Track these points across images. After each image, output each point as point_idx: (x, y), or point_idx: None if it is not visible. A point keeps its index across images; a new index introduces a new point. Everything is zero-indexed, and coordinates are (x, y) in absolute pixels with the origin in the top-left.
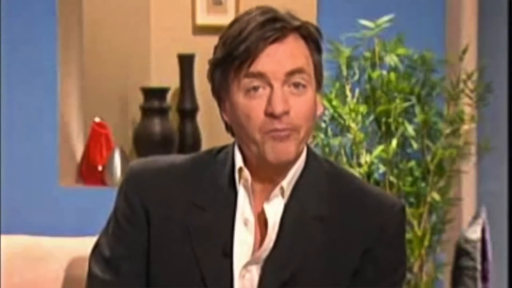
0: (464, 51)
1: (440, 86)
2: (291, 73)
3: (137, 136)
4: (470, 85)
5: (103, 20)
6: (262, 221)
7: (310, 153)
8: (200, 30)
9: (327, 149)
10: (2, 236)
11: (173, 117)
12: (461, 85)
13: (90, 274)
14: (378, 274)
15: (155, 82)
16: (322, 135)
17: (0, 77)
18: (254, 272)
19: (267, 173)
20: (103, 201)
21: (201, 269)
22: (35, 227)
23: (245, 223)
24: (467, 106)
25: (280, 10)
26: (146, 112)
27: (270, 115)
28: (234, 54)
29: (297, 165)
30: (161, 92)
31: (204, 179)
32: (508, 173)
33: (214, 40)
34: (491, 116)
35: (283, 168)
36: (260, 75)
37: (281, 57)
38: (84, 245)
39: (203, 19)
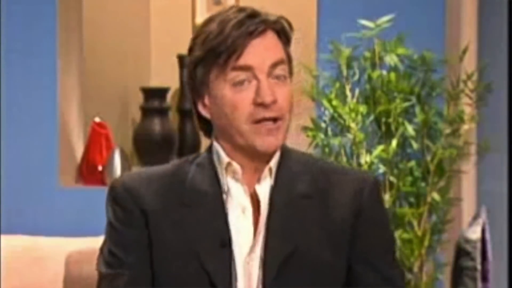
0: (464, 51)
1: (440, 86)
2: (274, 65)
3: (137, 136)
4: (470, 85)
5: (103, 20)
6: (255, 204)
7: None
8: None
9: (327, 149)
10: (2, 236)
11: (173, 117)
12: (461, 85)
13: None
14: (372, 233)
15: (155, 82)
16: (322, 135)
17: (0, 77)
18: (258, 255)
19: (253, 162)
20: (103, 201)
21: (202, 262)
22: (35, 227)
23: (243, 211)
24: (467, 106)
25: (259, 10)
26: (146, 112)
27: (260, 104)
28: (219, 50)
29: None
30: (161, 92)
31: (186, 182)
32: (508, 173)
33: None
34: (491, 116)
35: (270, 154)
36: (247, 68)
37: (264, 50)
38: (84, 245)
39: (202, 18)
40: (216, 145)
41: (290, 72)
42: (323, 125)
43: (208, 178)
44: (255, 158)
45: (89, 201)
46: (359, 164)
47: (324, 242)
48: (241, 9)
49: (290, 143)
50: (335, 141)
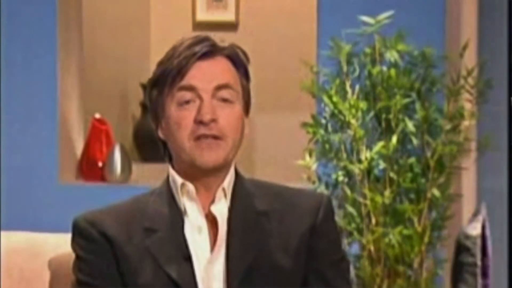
0: (465, 47)
1: (440, 82)
2: (218, 88)
3: (137, 132)
4: (470, 81)
5: (103, 16)
6: (211, 223)
7: (237, 171)
8: (200, 27)
9: (327, 146)
10: (2, 233)
11: None
12: (462, 81)
13: None
14: (325, 248)
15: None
16: (322, 131)
17: (0, 75)
18: (219, 270)
19: (206, 181)
20: (103, 197)
21: (169, 274)
22: (35, 223)
23: (199, 230)
24: (467, 102)
25: (214, 38)
26: (146, 108)
27: (199, 122)
28: (167, 70)
29: (231, 173)
30: None
31: (147, 209)
32: (508, 170)
33: (214, 36)
34: (491, 112)
35: (218, 173)
36: (191, 88)
37: (210, 72)
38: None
39: (203, 15)
40: (171, 170)
41: (246, 104)
42: (323, 121)
43: (166, 202)
44: (203, 175)
45: (89, 197)
46: (359, 160)
47: (282, 253)
48: (197, 36)
49: (291, 140)
50: (335, 137)
